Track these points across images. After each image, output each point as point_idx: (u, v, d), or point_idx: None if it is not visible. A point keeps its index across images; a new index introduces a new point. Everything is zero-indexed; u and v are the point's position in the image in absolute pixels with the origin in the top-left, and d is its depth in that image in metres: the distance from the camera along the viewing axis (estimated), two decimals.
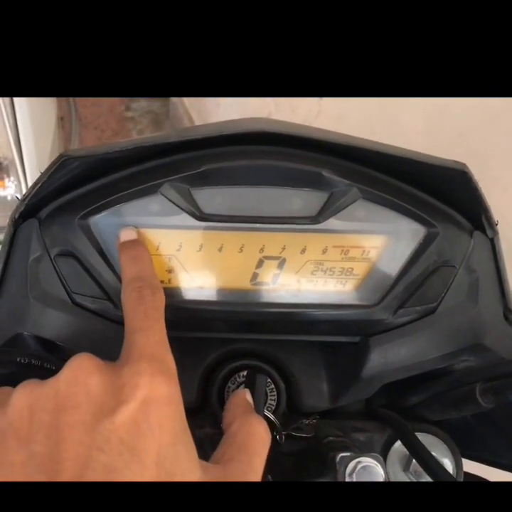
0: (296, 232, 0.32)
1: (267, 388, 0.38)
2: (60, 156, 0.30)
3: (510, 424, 0.36)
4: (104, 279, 0.32)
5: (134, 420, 0.22)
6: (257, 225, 0.32)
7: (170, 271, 0.33)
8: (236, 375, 0.38)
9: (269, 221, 0.32)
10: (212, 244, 0.33)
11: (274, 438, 0.35)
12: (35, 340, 0.33)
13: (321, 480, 0.33)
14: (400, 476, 0.37)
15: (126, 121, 1.82)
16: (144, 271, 0.30)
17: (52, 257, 0.32)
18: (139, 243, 0.32)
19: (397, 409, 0.38)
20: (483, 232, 0.34)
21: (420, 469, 0.35)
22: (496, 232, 0.34)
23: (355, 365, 0.35)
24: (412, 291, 0.33)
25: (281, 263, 0.33)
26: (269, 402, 0.38)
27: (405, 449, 0.35)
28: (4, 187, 0.88)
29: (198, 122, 1.58)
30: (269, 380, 0.38)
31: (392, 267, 0.33)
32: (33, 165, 0.86)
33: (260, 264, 0.33)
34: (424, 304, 0.34)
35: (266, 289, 0.34)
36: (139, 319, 0.27)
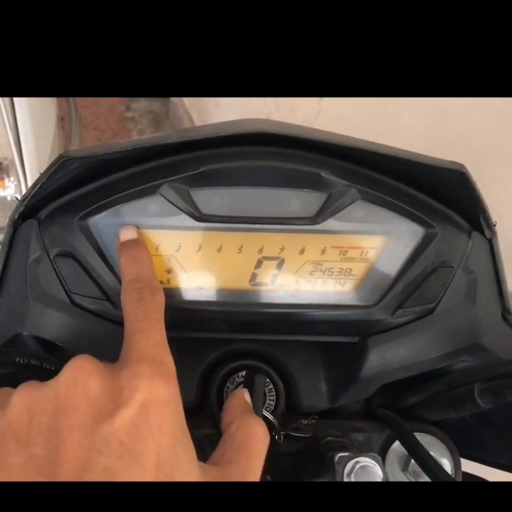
0: (294, 232, 0.32)
1: (266, 388, 0.38)
2: (60, 156, 0.30)
3: (508, 424, 0.36)
4: (104, 280, 0.32)
5: (134, 423, 0.22)
6: (256, 226, 0.32)
7: (169, 271, 0.33)
8: (235, 376, 0.38)
9: (268, 222, 0.32)
10: (211, 245, 0.33)
11: (272, 438, 0.36)
12: (35, 341, 0.33)
13: (320, 480, 0.33)
14: (399, 476, 0.37)
15: (126, 121, 1.82)
16: (144, 272, 0.30)
17: (51, 258, 0.32)
18: (139, 243, 0.32)
19: (396, 410, 0.38)
20: (482, 232, 0.34)
21: (419, 469, 0.35)
22: (494, 233, 0.34)
23: (353, 365, 0.35)
24: (410, 291, 0.34)
25: (280, 263, 0.33)
26: (267, 402, 0.38)
27: (404, 449, 0.35)
28: (4, 187, 0.88)
29: (198, 122, 1.58)
30: (267, 380, 0.38)
31: (391, 267, 0.34)
32: (33, 165, 0.86)
33: (259, 264, 0.33)
34: (423, 304, 0.34)
35: (265, 289, 0.34)
36: (139, 320, 0.27)
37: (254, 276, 0.34)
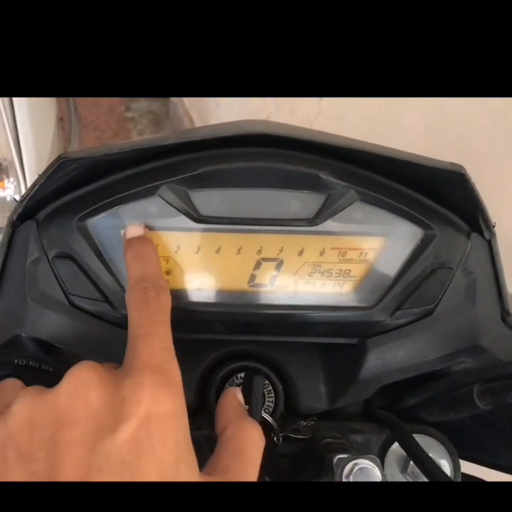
0: (293, 234, 0.32)
1: (265, 390, 0.38)
2: (58, 158, 0.30)
3: (507, 425, 0.36)
4: (102, 281, 0.32)
5: (135, 438, 0.21)
6: (255, 227, 0.32)
7: (168, 273, 0.33)
8: (234, 377, 0.38)
9: (267, 223, 0.32)
10: (209, 246, 0.33)
11: (271, 439, 0.36)
12: (33, 342, 0.33)
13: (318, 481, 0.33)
14: (398, 478, 0.37)
15: (126, 121, 1.82)
16: (150, 271, 0.29)
17: (50, 259, 0.32)
18: (145, 240, 0.31)
19: (395, 411, 0.38)
20: (481, 233, 0.34)
21: (418, 471, 0.35)
22: (493, 234, 0.34)
23: (352, 366, 0.35)
24: (409, 292, 0.33)
25: (279, 265, 0.33)
26: (266, 403, 0.38)
27: (403, 451, 0.35)
28: (3, 188, 0.88)
29: (198, 123, 1.58)
30: (266, 381, 0.38)
31: (390, 268, 0.34)
32: (33, 166, 0.86)
33: (258, 265, 0.33)
34: (422, 305, 0.34)
35: (264, 290, 0.34)
36: (143, 323, 0.26)
37: (253, 277, 0.34)
